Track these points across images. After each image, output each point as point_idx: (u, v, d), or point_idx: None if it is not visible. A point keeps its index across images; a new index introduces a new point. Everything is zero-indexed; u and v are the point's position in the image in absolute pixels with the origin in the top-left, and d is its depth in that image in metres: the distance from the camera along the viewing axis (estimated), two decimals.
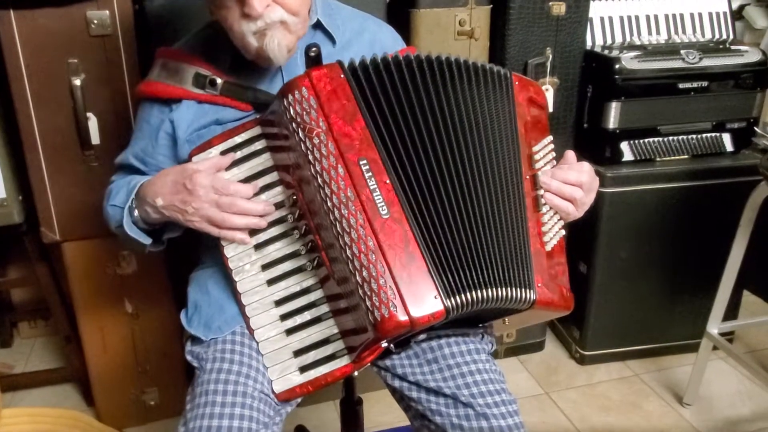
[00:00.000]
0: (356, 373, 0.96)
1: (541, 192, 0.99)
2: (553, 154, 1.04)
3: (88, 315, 1.65)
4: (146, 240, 1.05)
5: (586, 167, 1.03)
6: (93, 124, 1.47)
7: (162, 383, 1.76)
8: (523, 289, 0.92)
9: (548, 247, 0.98)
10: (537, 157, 1.01)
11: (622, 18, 1.93)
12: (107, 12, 1.40)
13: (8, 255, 2.02)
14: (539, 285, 0.94)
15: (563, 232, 1.02)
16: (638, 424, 1.79)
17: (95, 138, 1.48)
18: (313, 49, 0.95)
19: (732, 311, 1.94)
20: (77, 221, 1.54)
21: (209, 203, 0.94)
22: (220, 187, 0.94)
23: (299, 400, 1.04)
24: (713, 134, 1.87)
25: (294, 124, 0.89)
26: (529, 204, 0.98)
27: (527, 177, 0.99)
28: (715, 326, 1.74)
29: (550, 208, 1.00)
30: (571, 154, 1.04)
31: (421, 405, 1.00)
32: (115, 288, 1.64)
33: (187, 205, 0.95)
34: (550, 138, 1.05)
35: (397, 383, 1.04)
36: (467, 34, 1.68)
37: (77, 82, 1.42)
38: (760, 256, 1.78)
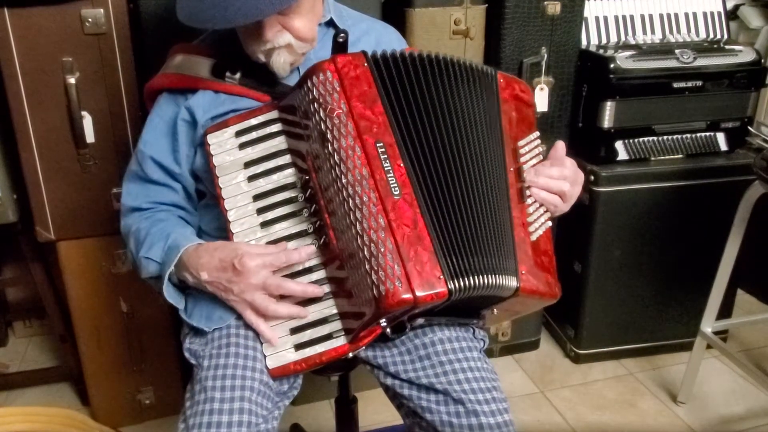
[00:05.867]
0: (351, 355, 0.97)
1: (526, 184, 1.03)
2: (540, 149, 1.08)
3: (83, 314, 1.65)
4: (181, 304, 1.05)
5: (568, 162, 1.06)
6: (88, 122, 1.47)
7: (157, 382, 1.76)
8: (507, 277, 0.95)
9: (533, 237, 1.01)
10: (522, 151, 1.04)
11: (617, 17, 1.94)
12: (102, 10, 1.40)
13: (3, 254, 2.02)
14: (523, 272, 0.97)
15: (549, 223, 1.05)
16: (633, 422, 1.80)
17: (90, 137, 1.48)
18: (341, 35, 1.00)
19: (726, 310, 1.95)
20: (72, 220, 1.54)
21: (256, 286, 0.95)
22: (271, 261, 0.95)
23: (296, 392, 1.06)
24: (707, 134, 1.88)
25: (316, 104, 0.93)
26: (514, 195, 1.01)
27: (511, 169, 1.02)
28: (709, 325, 1.74)
29: (536, 200, 1.04)
30: (560, 145, 1.06)
31: (413, 402, 1.01)
32: (111, 287, 1.63)
33: (233, 285, 0.96)
34: (537, 134, 1.08)
35: (389, 381, 1.05)
36: (463, 34, 1.68)
37: (72, 80, 1.42)
38: (754, 255, 1.79)
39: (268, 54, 1.01)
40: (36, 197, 1.50)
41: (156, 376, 1.75)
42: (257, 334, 0.99)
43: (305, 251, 0.96)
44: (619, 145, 1.82)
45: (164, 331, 1.71)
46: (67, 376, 1.90)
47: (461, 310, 1.03)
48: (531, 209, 1.02)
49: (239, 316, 1.01)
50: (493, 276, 0.93)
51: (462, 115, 0.99)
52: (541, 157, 1.07)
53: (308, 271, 0.98)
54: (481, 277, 0.91)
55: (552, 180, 1.03)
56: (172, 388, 1.76)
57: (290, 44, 1.00)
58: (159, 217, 1.09)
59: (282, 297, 0.98)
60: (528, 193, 1.02)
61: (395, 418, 1.15)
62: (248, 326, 1.00)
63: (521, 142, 1.05)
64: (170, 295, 1.03)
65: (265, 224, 1.00)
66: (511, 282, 0.95)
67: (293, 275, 0.98)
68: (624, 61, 1.75)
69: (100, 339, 1.68)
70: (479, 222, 0.95)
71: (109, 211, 1.54)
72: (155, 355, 1.73)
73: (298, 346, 0.97)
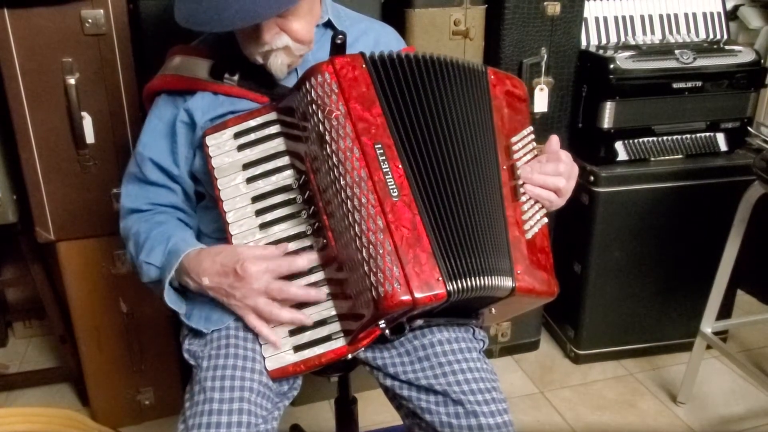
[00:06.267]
0: (350, 356, 0.97)
1: (520, 182, 1.02)
2: (533, 144, 1.07)
3: (83, 315, 1.65)
4: (183, 309, 1.04)
5: (563, 155, 1.06)
6: (87, 123, 1.47)
7: (157, 383, 1.76)
8: (502, 277, 0.95)
9: (529, 235, 1.01)
10: (515, 148, 1.04)
11: (616, 18, 1.94)
12: (101, 11, 1.40)
13: (3, 254, 2.02)
14: (518, 272, 0.97)
15: (545, 220, 1.05)
16: (633, 422, 1.80)
17: (90, 137, 1.48)
18: (339, 36, 0.99)
19: (726, 310, 1.95)
20: (72, 221, 1.54)
21: (258, 291, 0.95)
22: (274, 267, 0.95)
23: (296, 393, 1.06)
24: (707, 134, 1.88)
25: (314, 106, 0.92)
26: (508, 193, 1.01)
27: (504, 168, 1.02)
28: (708, 325, 1.74)
29: (530, 197, 1.03)
30: (554, 139, 1.06)
31: (412, 403, 1.01)
32: (110, 287, 1.63)
33: (235, 290, 0.96)
34: (530, 129, 1.08)
35: (389, 382, 1.04)
36: (462, 34, 1.68)
37: (72, 81, 1.42)
38: (753, 255, 1.79)
39: (265, 56, 1.01)
40: (36, 198, 1.50)
41: (156, 376, 1.75)
42: (256, 336, 0.99)
43: (307, 258, 0.96)
44: (618, 145, 1.82)
45: (164, 332, 1.71)
46: (66, 377, 1.90)
47: (459, 310, 1.03)
48: (525, 207, 1.02)
49: (239, 318, 1.01)
50: (490, 277, 0.93)
51: (456, 116, 0.99)
52: (535, 152, 1.07)
53: (307, 272, 0.97)
54: (478, 278, 0.91)
55: (547, 177, 1.03)
56: (171, 389, 1.76)
57: (288, 46, 1.00)
58: (158, 219, 1.09)
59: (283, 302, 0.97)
60: (522, 190, 1.02)
61: (395, 419, 1.15)
62: (247, 327, 1.00)
63: (514, 139, 1.05)
64: (171, 300, 1.03)
65: (263, 226, 1.00)
66: (507, 282, 0.95)
67: (292, 277, 0.97)
68: (624, 61, 1.75)
69: (100, 339, 1.68)
70: (475, 223, 0.95)
71: (108, 211, 1.54)
72: (155, 356, 1.73)
73: (297, 348, 0.97)
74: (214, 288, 0.97)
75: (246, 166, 1.01)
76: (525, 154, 1.05)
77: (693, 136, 1.87)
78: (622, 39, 1.94)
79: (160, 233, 1.05)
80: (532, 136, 1.08)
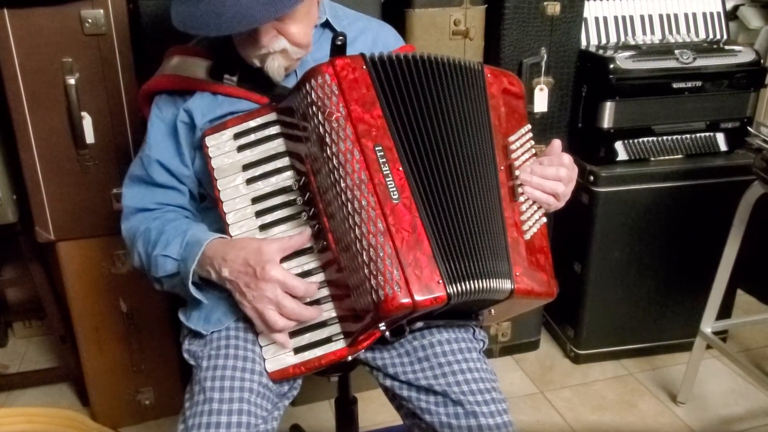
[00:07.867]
0: (350, 358, 0.97)
1: (518, 182, 1.02)
2: (531, 142, 1.07)
3: (83, 314, 1.65)
4: (204, 299, 1.02)
5: (566, 159, 1.05)
6: (87, 123, 1.47)
7: (157, 383, 1.76)
8: (501, 280, 0.94)
9: (527, 236, 1.00)
10: (513, 147, 1.04)
11: (616, 18, 1.94)
12: (101, 11, 1.40)
13: (3, 254, 2.02)
14: (517, 274, 0.96)
15: (544, 220, 1.04)
16: (633, 422, 1.80)
17: (90, 137, 1.48)
18: (340, 38, 0.99)
19: (725, 310, 1.95)
20: (72, 221, 1.54)
21: (270, 300, 0.93)
22: (291, 286, 0.93)
23: (296, 393, 1.06)
24: (707, 134, 1.88)
25: (314, 107, 0.92)
26: (506, 194, 1.01)
27: (502, 168, 1.01)
28: (708, 325, 1.74)
29: (528, 198, 1.03)
30: (557, 144, 1.06)
31: (412, 404, 1.01)
32: (110, 287, 1.63)
33: (248, 290, 0.94)
34: (528, 127, 1.07)
35: (389, 382, 1.05)
36: (462, 34, 1.68)
37: (72, 81, 1.42)
38: (753, 255, 1.79)
39: (262, 59, 1.01)
40: (36, 198, 1.50)
41: (156, 376, 1.75)
42: (256, 337, 0.99)
43: (315, 286, 0.95)
44: (618, 145, 1.83)
45: (164, 332, 1.71)
46: (66, 377, 1.90)
47: (459, 312, 1.03)
48: (524, 207, 1.02)
49: (238, 319, 1.01)
50: (489, 280, 0.93)
51: (454, 117, 0.98)
52: (533, 150, 1.07)
53: (308, 274, 0.97)
54: (478, 281, 0.91)
55: (546, 181, 1.03)
56: (171, 389, 1.76)
57: (285, 49, 1.00)
58: (168, 217, 1.08)
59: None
60: (520, 191, 1.02)
61: (395, 419, 1.15)
62: (247, 329, 1.00)
63: (512, 138, 1.04)
64: (197, 292, 1.01)
65: (263, 227, 0.99)
66: (506, 285, 0.95)
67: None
68: (624, 61, 1.75)
69: (100, 339, 1.68)
70: (474, 225, 0.94)
71: (109, 211, 1.54)
72: (155, 356, 1.73)
73: (298, 350, 0.97)
74: (230, 280, 0.96)
75: (246, 167, 1.01)
76: (523, 153, 1.05)
77: (693, 136, 1.87)
78: (622, 39, 1.94)
79: (175, 228, 1.03)
80: (530, 135, 1.07)
